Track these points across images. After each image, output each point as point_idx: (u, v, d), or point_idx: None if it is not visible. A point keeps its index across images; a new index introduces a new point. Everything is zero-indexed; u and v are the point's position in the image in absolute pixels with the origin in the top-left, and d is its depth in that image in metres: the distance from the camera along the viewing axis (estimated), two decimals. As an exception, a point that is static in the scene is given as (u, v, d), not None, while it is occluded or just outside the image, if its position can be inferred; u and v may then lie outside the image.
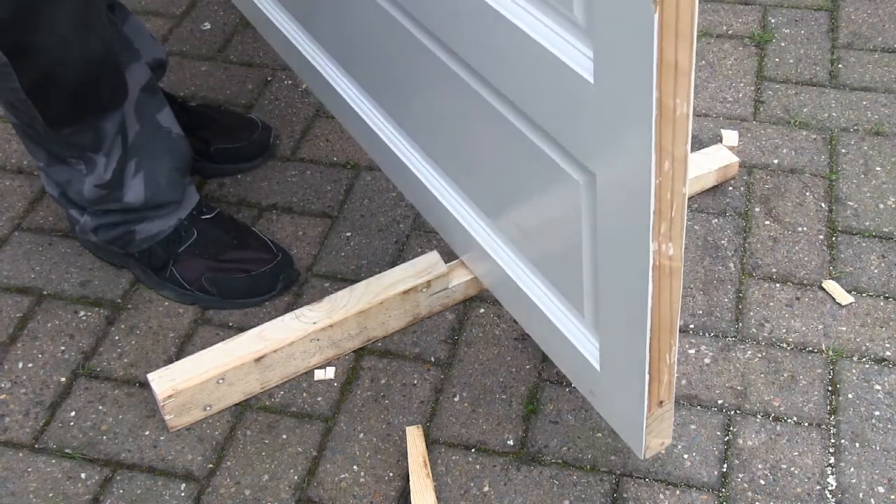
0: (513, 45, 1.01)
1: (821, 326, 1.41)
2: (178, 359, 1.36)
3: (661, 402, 1.14)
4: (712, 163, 1.61)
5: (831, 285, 1.46)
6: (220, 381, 1.32)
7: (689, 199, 1.57)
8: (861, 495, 1.22)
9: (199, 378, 1.30)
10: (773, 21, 1.94)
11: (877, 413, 1.31)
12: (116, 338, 1.45)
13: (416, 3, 1.21)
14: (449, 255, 1.47)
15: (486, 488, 1.26)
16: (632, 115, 0.87)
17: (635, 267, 0.99)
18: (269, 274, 1.47)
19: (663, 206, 0.92)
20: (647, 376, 1.08)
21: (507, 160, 1.19)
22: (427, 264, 1.43)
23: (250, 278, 1.46)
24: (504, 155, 1.19)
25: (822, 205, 1.58)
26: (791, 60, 1.85)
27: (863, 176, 1.62)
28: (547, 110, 1.02)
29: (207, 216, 1.49)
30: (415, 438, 1.28)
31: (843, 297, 1.44)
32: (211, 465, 1.30)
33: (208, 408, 1.33)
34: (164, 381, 1.30)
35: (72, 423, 1.35)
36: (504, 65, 1.06)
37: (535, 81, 1.01)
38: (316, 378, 1.39)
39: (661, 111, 0.84)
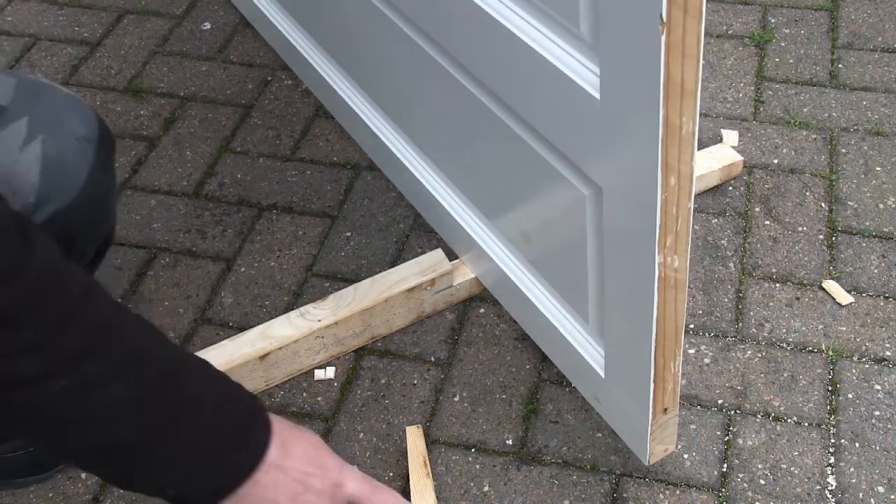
0: (519, 60, 1.01)
1: (821, 326, 1.41)
2: (178, 359, 1.35)
3: (666, 410, 1.14)
4: (716, 161, 1.61)
5: (831, 285, 1.46)
6: (223, 380, 1.32)
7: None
8: (861, 495, 1.22)
9: (202, 376, 1.30)
10: (773, 21, 1.94)
11: (877, 413, 1.30)
12: (116, 338, 1.45)
13: (420, 12, 1.21)
14: (450, 255, 1.47)
15: (486, 488, 1.26)
16: (638, 132, 0.87)
17: (641, 278, 0.99)
18: None
19: (669, 221, 0.92)
20: (651, 384, 1.08)
21: (513, 170, 1.19)
22: (431, 262, 1.43)
23: (29, 454, 1.27)
24: (509, 165, 1.19)
25: (822, 205, 1.58)
26: (791, 60, 1.85)
27: (863, 176, 1.62)
28: (553, 124, 1.02)
29: None
30: (415, 438, 1.28)
31: (843, 297, 1.44)
32: (211, 465, 1.30)
33: (210, 407, 1.33)
34: None
35: (72, 423, 1.35)
36: (511, 78, 1.06)
37: (541, 96, 1.01)
38: (316, 378, 1.39)
39: (668, 129, 0.84)
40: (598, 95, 0.91)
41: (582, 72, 0.93)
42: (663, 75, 0.80)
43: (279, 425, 0.90)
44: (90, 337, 0.77)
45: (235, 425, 0.86)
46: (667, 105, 0.82)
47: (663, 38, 0.77)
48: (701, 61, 0.80)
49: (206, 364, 0.87)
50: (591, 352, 1.23)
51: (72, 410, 0.77)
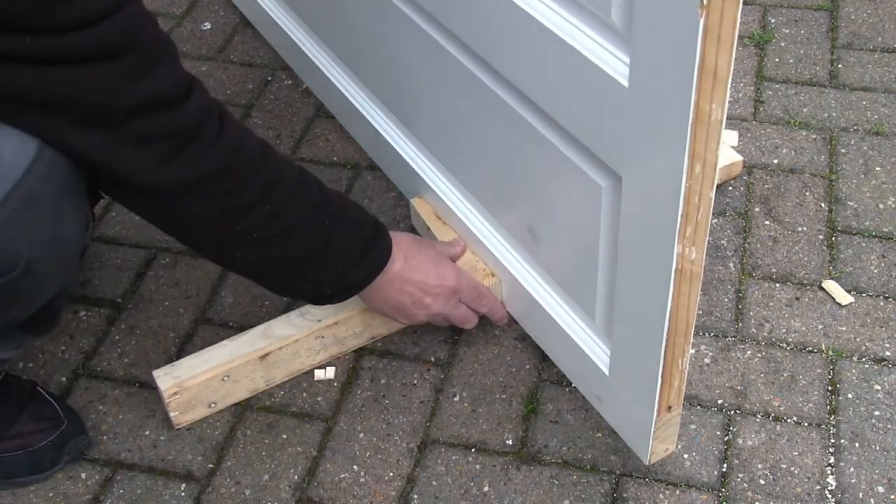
0: (544, 49, 1.00)
1: (821, 326, 1.41)
2: (178, 358, 1.36)
3: (670, 408, 1.13)
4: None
5: (831, 285, 1.46)
6: (225, 379, 1.32)
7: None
8: (861, 495, 1.22)
9: (205, 375, 1.30)
10: (772, 21, 1.95)
11: (877, 413, 1.31)
12: (116, 338, 1.45)
13: (437, 3, 1.20)
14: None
15: (486, 488, 1.26)
16: (667, 120, 0.87)
17: (657, 270, 0.98)
18: (53, 446, 1.27)
19: (690, 210, 0.91)
20: (659, 381, 1.08)
21: (525, 165, 1.19)
22: None
23: (29, 454, 1.27)
24: (522, 160, 1.19)
25: (822, 205, 1.58)
26: (791, 60, 1.85)
27: (863, 176, 1.62)
28: (576, 114, 1.01)
29: None
30: (420, 206, 1.48)
31: (843, 297, 1.44)
32: (211, 465, 1.30)
33: (213, 405, 1.33)
34: (170, 378, 1.30)
35: (72, 423, 1.35)
36: (532, 68, 1.05)
37: (565, 85, 1.00)
38: (316, 378, 1.39)
39: (698, 116, 0.84)
40: (626, 83, 0.90)
41: (609, 59, 0.93)
42: (698, 61, 0.79)
43: (404, 244, 1.26)
44: (269, 181, 1.10)
45: (364, 241, 1.20)
46: (699, 91, 0.82)
47: (701, 21, 0.77)
48: (735, 46, 0.80)
49: (338, 193, 1.22)
50: (595, 350, 1.23)
51: (267, 230, 1.10)
